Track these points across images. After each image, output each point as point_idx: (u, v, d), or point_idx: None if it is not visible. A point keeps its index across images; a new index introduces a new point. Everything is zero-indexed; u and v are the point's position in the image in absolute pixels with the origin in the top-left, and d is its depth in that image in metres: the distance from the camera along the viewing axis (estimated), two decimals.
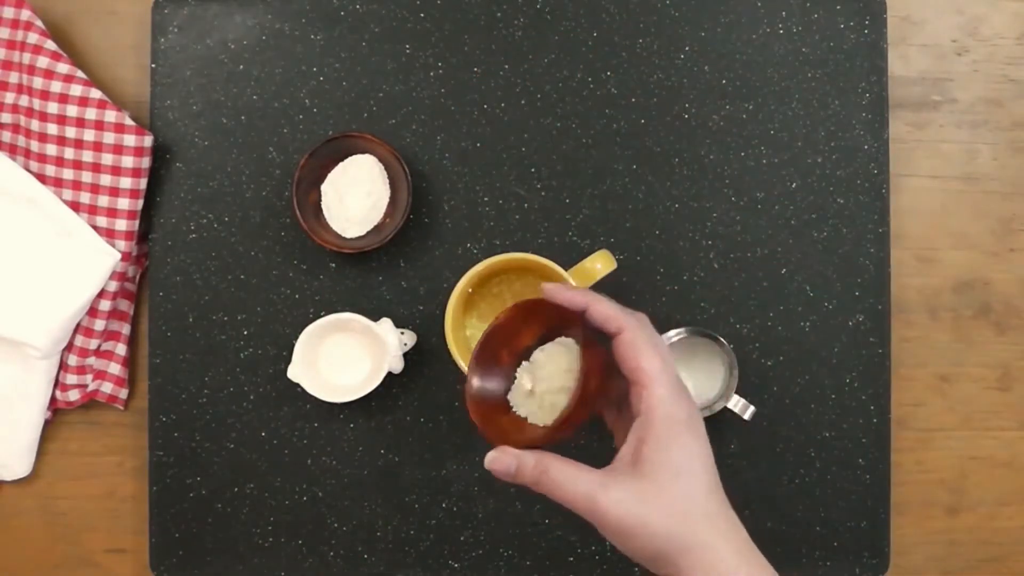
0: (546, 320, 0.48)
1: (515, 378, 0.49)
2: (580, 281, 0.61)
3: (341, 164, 0.66)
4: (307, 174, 0.65)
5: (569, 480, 0.47)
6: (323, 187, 0.66)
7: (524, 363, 0.49)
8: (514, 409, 0.49)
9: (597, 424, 0.52)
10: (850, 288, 0.67)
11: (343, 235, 0.66)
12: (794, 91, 0.67)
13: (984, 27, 0.70)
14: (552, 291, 0.47)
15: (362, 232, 0.66)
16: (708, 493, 0.46)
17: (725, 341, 0.63)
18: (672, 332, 0.64)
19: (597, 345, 0.46)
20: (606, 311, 0.47)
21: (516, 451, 0.47)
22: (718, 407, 0.63)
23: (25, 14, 0.66)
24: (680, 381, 0.47)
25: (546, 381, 0.48)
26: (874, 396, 0.67)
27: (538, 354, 0.48)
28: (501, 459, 0.47)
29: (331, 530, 0.67)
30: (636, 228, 0.67)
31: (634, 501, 0.45)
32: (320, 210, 0.66)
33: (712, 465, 0.47)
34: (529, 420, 0.49)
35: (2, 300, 0.65)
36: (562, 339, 0.48)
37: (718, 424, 0.67)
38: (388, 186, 0.66)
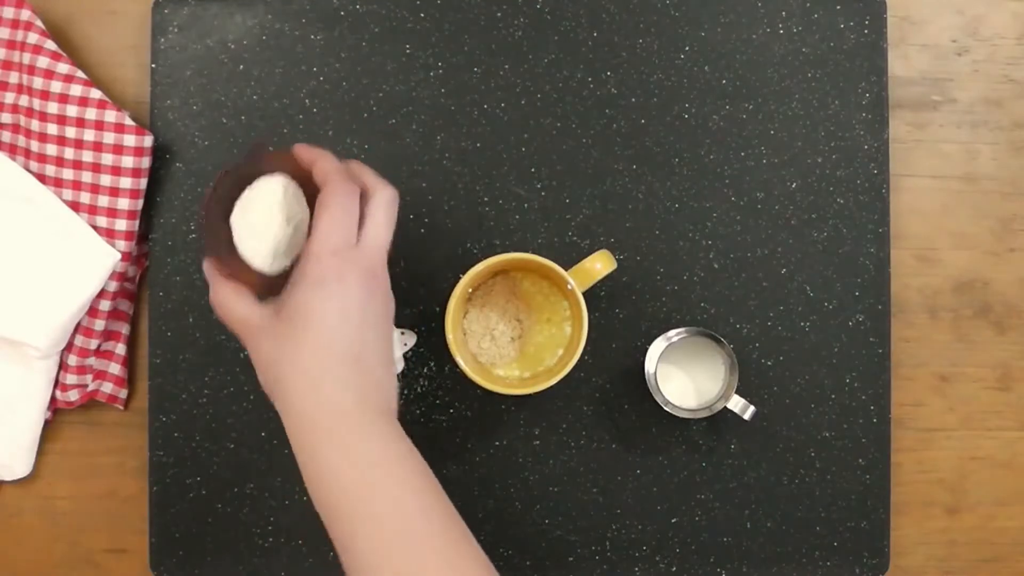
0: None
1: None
2: (580, 281, 0.61)
3: (247, 192, 0.54)
4: (214, 208, 0.54)
5: (231, 299, 0.51)
6: (232, 219, 0.54)
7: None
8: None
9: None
10: (850, 288, 0.67)
11: (266, 271, 0.54)
12: (794, 91, 0.67)
13: (984, 27, 0.70)
14: (301, 150, 0.53)
15: (288, 263, 0.55)
16: (319, 349, 0.49)
17: (725, 341, 0.63)
18: (672, 332, 0.64)
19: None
20: (319, 164, 0.52)
21: (211, 267, 0.53)
22: (718, 407, 0.63)
23: (25, 14, 0.66)
24: (346, 256, 0.49)
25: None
26: (874, 396, 0.67)
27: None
28: (207, 268, 0.53)
29: None
30: (636, 228, 0.67)
31: (266, 333, 0.50)
32: (234, 246, 0.54)
33: (343, 328, 0.49)
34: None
35: (2, 300, 0.65)
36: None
37: (718, 424, 0.67)
38: (306, 207, 0.55)
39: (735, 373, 0.63)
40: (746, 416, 0.63)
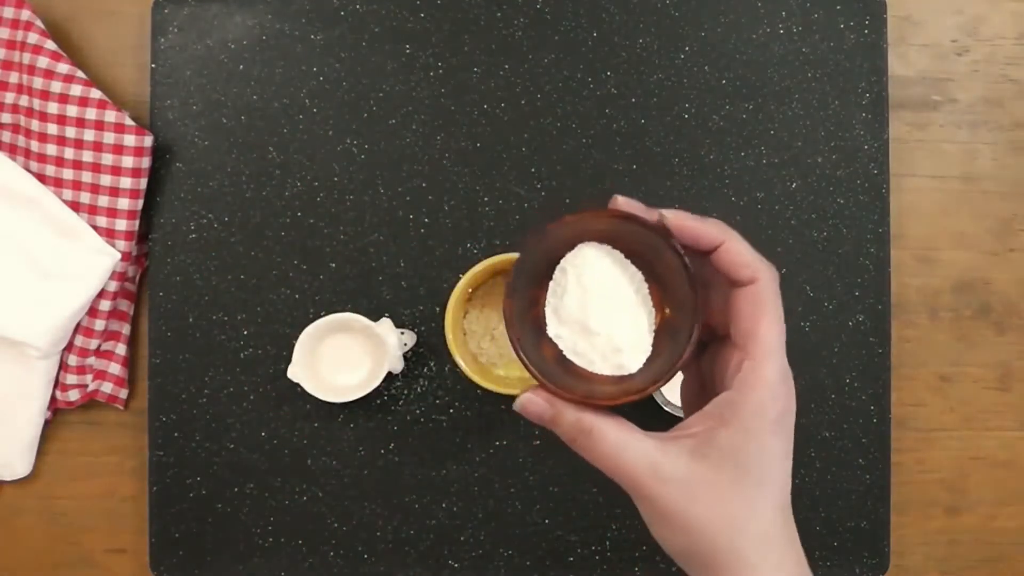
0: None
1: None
2: None
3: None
4: (519, 321, 0.43)
5: (618, 446, 0.38)
6: (549, 326, 0.44)
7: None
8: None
9: None
10: (850, 288, 0.67)
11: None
12: (794, 91, 0.67)
13: (984, 27, 0.70)
14: (676, 218, 0.38)
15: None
16: (775, 509, 0.39)
17: None
18: None
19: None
20: (744, 253, 0.38)
21: (551, 397, 0.39)
22: None
23: (25, 14, 0.66)
24: (787, 367, 0.39)
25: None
26: (874, 396, 0.67)
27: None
28: (534, 401, 0.39)
29: (331, 530, 0.67)
30: None
31: (685, 487, 0.37)
32: (565, 359, 0.48)
33: (788, 477, 0.40)
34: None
35: (2, 300, 0.65)
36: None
37: None
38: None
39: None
40: None
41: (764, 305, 0.38)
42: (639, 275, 0.41)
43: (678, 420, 0.61)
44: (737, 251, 0.38)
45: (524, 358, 0.39)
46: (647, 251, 0.40)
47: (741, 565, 0.38)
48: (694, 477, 0.38)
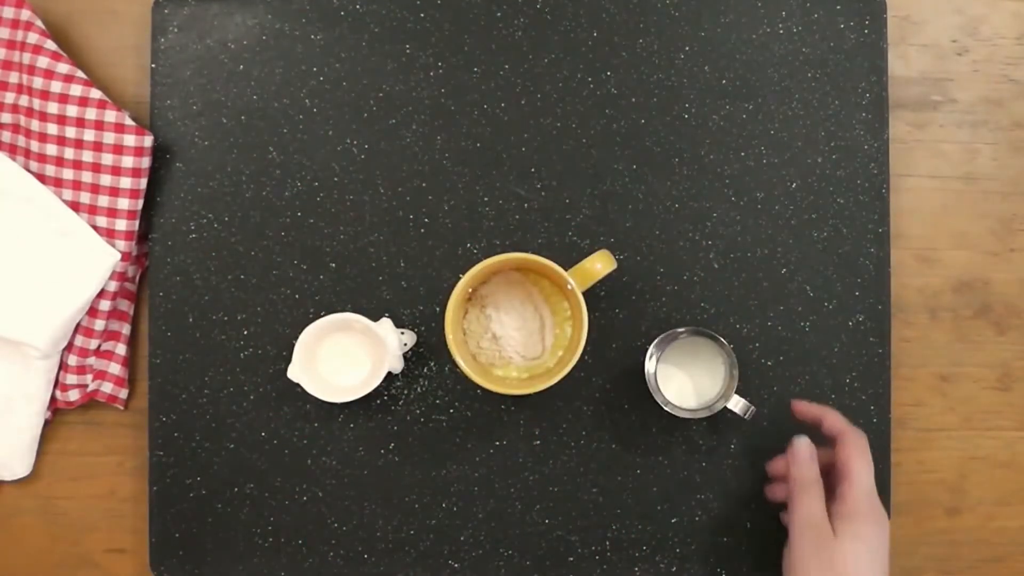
0: None
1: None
2: (580, 281, 0.61)
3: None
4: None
5: (811, 503, 0.59)
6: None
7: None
8: None
9: None
10: (850, 288, 0.67)
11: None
12: (794, 91, 0.67)
13: (984, 27, 0.70)
14: (801, 409, 0.63)
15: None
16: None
17: (725, 341, 0.63)
18: (672, 332, 0.64)
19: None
20: (839, 423, 0.61)
21: (816, 456, 0.61)
22: (718, 407, 0.63)
23: (25, 14, 0.66)
24: (876, 494, 0.59)
25: None
26: (874, 396, 0.67)
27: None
28: (807, 448, 0.61)
29: (331, 530, 0.67)
30: (636, 228, 0.67)
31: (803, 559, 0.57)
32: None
33: (882, 561, 0.57)
34: None
35: (2, 300, 0.65)
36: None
37: (718, 424, 0.67)
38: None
39: (735, 373, 0.63)
40: (746, 416, 0.63)
41: (854, 449, 0.59)
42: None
43: (678, 420, 0.63)
44: (834, 422, 0.61)
45: None
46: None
47: None
48: (820, 546, 0.58)
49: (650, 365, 0.64)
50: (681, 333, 0.64)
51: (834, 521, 0.57)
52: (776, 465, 0.63)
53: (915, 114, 0.69)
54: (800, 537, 0.58)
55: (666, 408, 0.63)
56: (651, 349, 0.64)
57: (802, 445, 0.61)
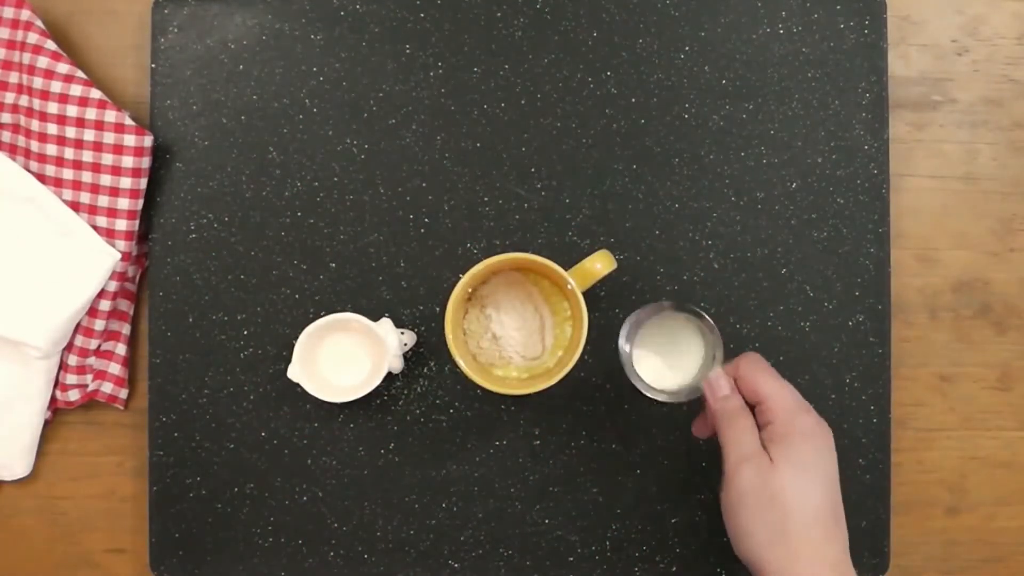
0: None
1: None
2: (580, 281, 0.61)
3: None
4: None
5: (740, 434, 0.55)
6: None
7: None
8: None
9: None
10: (850, 288, 0.67)
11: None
12: (794, 91, 0.67)
13: (984, 27, 0.70)
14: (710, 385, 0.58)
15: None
16: (819, 506, 0.53)
17: (706, 315, 0.59)
18: (647, 308, 0.60)
19: None
20: (737, 370, 0.57)
21: (734, 387, 0.57)
22: (698, 382, 0.59)
23: (25, 14, 0.66)
24: (806, 408, 0.55)
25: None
26: (874, 396, 0.67)
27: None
28: (722, 379, 0.57)
29: (331, 530, 0.67)
30: (636, 228, 0.67)
31: (740, 500, 0.53)
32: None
33: (829, 483, 0.54)
34: None
35: (2, 300, 0.65)
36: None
37: None
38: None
39: (719, 355, 0.59)
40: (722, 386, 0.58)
41: (753, 374, 0.56)
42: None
43: (679, 420, 0.62)
44: (719, 384, 0.58)
45: None
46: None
47: (771, 566, 0.52)
48: (760, 480, 0.54)
49: (624, 345, 0.60)
50: (661, 308, 0.60)
51: (768, 450, 0.53)
52: (698, 424, 0.60)
53: (915, 114, 0.69)
54: (736, 475, 0.53)
55: (647, 394, 0.60)
56: (625, 327, 0.61)
57: (718, 377, 0.56)
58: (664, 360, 0.62)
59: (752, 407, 0.56)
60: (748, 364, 0.56)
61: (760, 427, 0.55)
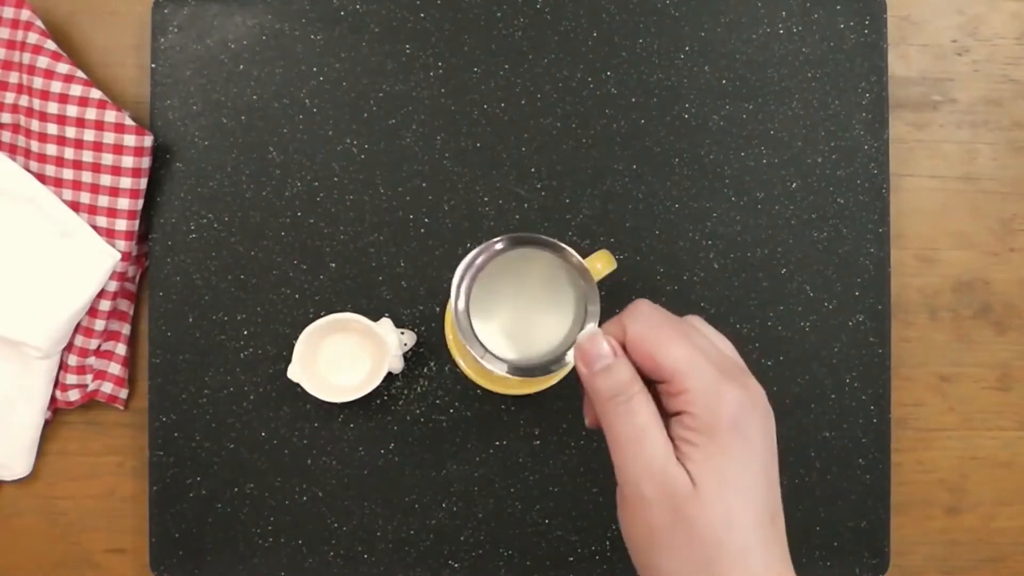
0: None
1: None
2: None
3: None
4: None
5: (634, 432, 0.39)
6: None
7: None
8: None
9: None
10: (850, 288, 0.67)
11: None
12: (794, 91, 0.67)
13: (984, 27, 0.70)
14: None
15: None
16: (754, 521, 0.39)
17: (573, 252, 0.45)
18: (484, 246, 0.45)
19: None
20: (600, 344, 0.40)
21: (620, 351, 0.40)
22: (568, 357, 0.44)
23: (25, 14, 0.66)
24: (730, 378, 0.38)
25: None
26: (874, 396, 0.67)
27: None
28: (599, 341, 0.39)
29: (331, 530, 0.67)
30: (636, 228, 0.67)
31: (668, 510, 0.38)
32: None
33: (765, 478, 0.39)
34: None
35: (2, 300, 0.65)
36: None
37: None
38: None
39: (592, 309, 0.44)
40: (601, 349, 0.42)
41: (647, 341, 0.39)
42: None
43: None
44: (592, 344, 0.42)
45: None
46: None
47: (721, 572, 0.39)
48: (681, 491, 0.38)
49: (459, 301, 0.44)
50: (502, 247, 0.44)
51: (680, 452, 0.37)
52: (587, 408, 0.43)
53: (915, 114, 0.69)
54: (639, 503, 0.38)
55: (489, 366, 0.44)
56: (459, 274, 0.44)
57: (592, 338, 0.39)
58: (516, 317, 0.45)
59: (652, 383, 0.40)
60: (641, 321, 0.40)
61: (666, 413, 0.40)
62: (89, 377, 0.68)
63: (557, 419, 0.67)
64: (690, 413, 0.38)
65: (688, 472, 0.37)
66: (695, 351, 0.38)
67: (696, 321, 0.42)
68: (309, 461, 0.67)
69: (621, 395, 0.39)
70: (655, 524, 0.38)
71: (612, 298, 0.67)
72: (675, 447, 0.38)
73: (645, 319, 0.40)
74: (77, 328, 0.67)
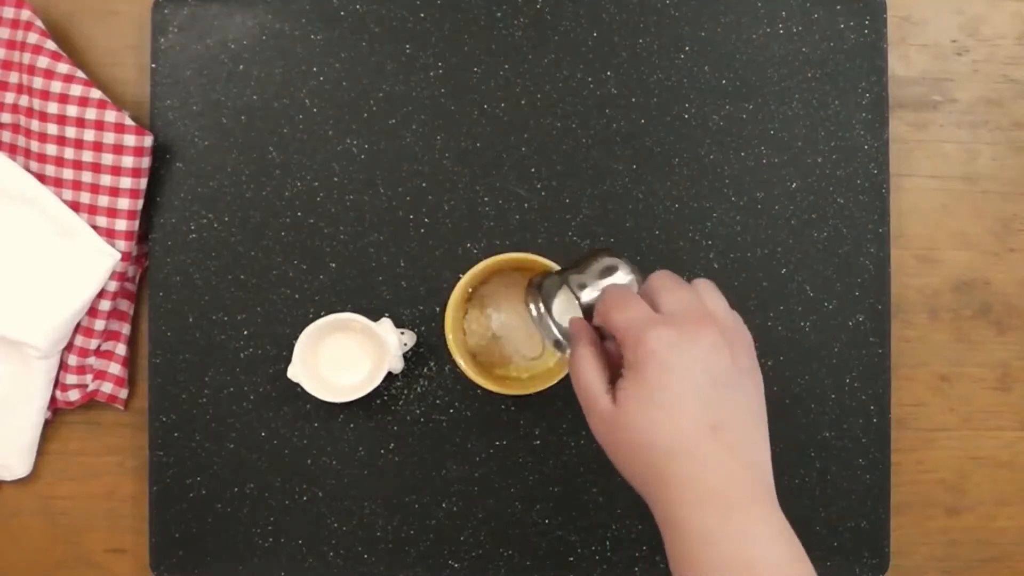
0: None
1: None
2: None
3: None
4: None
5: (578, 368, 0.49)
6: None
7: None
8: None
9: None
10: (850, 288, 0.67)
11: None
12: (794, 91, 0.67)
13: (984, 27, 0.70)
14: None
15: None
16: (683, 428, 0.46)
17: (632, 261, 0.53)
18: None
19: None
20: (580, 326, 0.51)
21: (588, 325, 0.51)
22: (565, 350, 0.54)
23: (25, 14, 0.66)
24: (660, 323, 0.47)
25: None
26: (874, 396, 0.67)
27: None
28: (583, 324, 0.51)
29: (331, 530, 0.67)
30: (636, 228, 0.67)
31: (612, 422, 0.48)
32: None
33: (695, 395, 0.46)
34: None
35: (2, 300, 0.65)
36: None
37: None
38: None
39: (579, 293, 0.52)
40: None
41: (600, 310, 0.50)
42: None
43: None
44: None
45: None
46: None
47: (655, 489, 0.48)
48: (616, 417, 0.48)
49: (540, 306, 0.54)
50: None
51: (616, 385, 0.47)
52: None
53: (915, 114, 0.69)
54: (589, 422, 0.48)
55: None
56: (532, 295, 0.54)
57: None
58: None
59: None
60: (607, 299, 0.50)
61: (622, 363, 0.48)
62: (89, 377, 0.68)
63: (557, 419, 0.67)
64: (624, 357, 0.47)
65: (616, 397, 0.47)
66: (627, 303, 0.48)
67: (700, 283, 0.52)
68: (309, 461, 0.67)
69: (574, 340, 0.50)
70: (604, 439, 0.48)
71: None
72: (617, 382, 0.48)
73: (609, 295, 0.50)
74: (77, 328, 0.67)
